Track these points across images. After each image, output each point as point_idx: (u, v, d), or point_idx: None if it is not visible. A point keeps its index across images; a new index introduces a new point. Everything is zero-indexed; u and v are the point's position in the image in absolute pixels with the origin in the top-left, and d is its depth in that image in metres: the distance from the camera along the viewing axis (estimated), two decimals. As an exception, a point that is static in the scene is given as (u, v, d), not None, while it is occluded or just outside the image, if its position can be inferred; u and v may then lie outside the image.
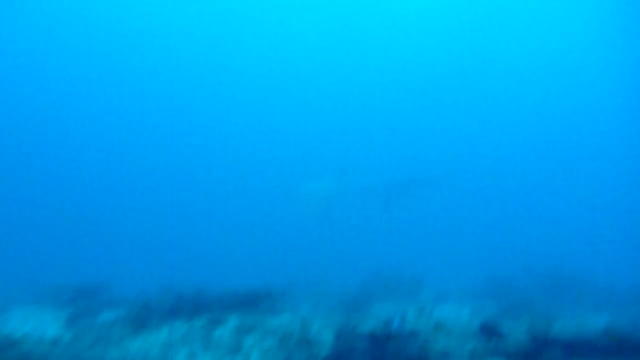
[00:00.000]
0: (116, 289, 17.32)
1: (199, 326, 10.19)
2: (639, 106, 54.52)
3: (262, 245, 35.23)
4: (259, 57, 69.19)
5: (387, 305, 16.73)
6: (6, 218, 39.91)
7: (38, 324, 12.76)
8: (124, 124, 61.56)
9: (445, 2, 65.86)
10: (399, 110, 65.40)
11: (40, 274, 23.12)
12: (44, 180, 52.19)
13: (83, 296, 15.94)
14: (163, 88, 65.24)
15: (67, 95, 61.29)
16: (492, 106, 67.07)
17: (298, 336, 8.76)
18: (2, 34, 55.80)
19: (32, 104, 58.84)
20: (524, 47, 66.83)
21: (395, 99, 66.47)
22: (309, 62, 70.74)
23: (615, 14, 49.54)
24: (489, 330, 7.50)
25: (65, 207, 45.93)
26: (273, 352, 8.56)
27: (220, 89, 67.93)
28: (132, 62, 65.76)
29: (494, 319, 13.37)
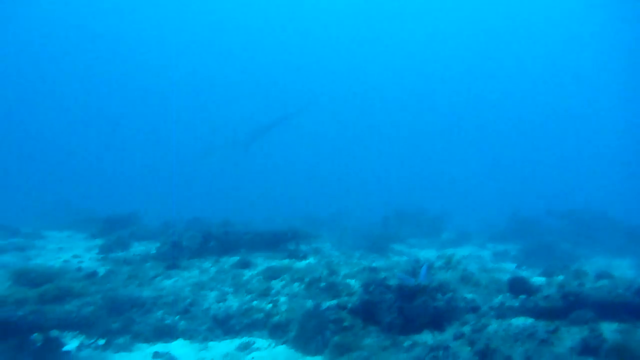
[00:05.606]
0: (145, 220, 17.80)
1: (227, 268, 10.47)
2: None
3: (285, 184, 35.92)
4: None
5: (411, 243, 16.99)
6: (40, 149, 41.32)
7: (73, 254, 13.27)
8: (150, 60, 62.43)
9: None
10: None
11: (73, 202, 23.90)
12: (79, 115, 53.36)
13: (114, 226, 16.40)
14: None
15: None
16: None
17: (326, 282, 8.95)
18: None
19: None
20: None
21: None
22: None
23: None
24: (517, 285, 7.52)
25: (99, 140, 47.23)
26: (301, 297, 8.80)
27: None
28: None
29: (517, 264, 13.53)
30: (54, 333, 7.24)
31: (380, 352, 6.45)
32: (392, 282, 7.61)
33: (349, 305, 7.74)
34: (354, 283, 8.91)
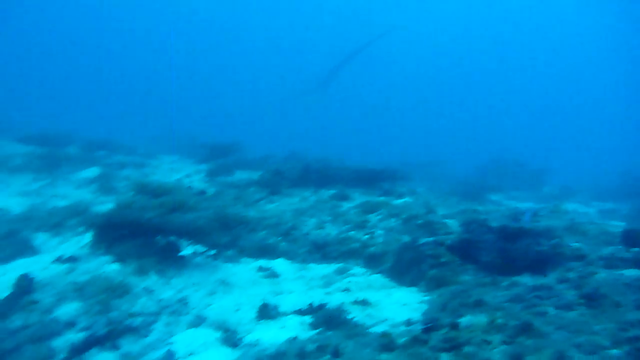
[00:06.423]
0: (246, 151, 18.63)
1: (326, 198, 10.85)
2: None
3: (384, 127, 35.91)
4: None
5: (509, 195, 16.46)
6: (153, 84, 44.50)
7: (183, 175, 14.37)
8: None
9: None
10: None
11: (181, 130, 25.49)
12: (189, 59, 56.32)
13: (218, 154, 17.35)
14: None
15: None
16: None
17: (423, 220, 9.01)
18: None
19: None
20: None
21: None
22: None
23: None
24: (631, 237, 7.13)
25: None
26: (398, 231, 8.97)
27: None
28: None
29: (626, 223, 12.69)
30: (173, 238, 8.01)
31: (478, 287, 6.49)
32: (494, 223, 7.53)
33: (447, 242, 7.79)
34: (452, 223, 8.89)
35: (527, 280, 6.54)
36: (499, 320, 5.23)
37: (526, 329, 4.99)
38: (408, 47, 61.13)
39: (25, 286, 6.05)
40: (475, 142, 34.82)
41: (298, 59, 56.19)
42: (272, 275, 7.92)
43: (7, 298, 5.93)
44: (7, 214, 9.47)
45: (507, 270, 6.91)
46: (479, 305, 5.89)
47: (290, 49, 60.87)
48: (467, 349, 4.80)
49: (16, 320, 5.48)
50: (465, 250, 7.51)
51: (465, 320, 5.43)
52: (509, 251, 7.05)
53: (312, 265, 8.45)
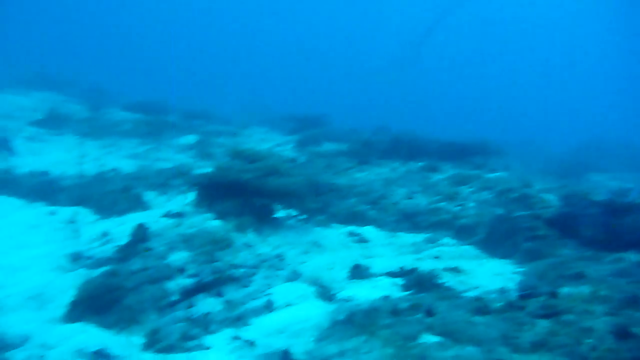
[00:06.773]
0: (333, 123, 18.85)
1: (415, 169, 10.79)
2: None
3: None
4: None
5: (610, 175, 15.45)
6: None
7: (274, 144, 14.87)
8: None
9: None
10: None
11: (269, 102, 26.18)
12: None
13: (306, 126, 17.70)
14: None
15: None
16: None
17: (518, 193, 8.75)
18: None
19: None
20: None
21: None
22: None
23: None
24: None
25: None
26: (490, 204, 8.78)
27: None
28: None
29: None
30: (268, 200, 8.38)
31: (578, 261, 6.26)
32: (598, 198, 7.17)
33: (545, 215, 7.54)
34: (550, 197, 8.57)
35: (633, 256, 6.22)
36: (603, 292, 5.05)
37: (633, 301, 4.79)
38: (494, 24, 58.10)
39: (141, 235, 6.66)
40: (570, 121, 32.78)
41: (383, 34, 55.30)
42: (362, 240, 8.08)
43: (127, 244, 6.57)
44: (121, 173, 10.38)
45: (611, 246, 6.60)
46: (579, 277, 5.71)
47: (376, 24, 59.95)
48: (566, 317, 4.69)
49: (135, 264, 6.08)
50: (565, 224, 7.25)
51: (565, 290, 5.29)
52: (614, 226, 6.71)
53: (401, 234, 8.50)
